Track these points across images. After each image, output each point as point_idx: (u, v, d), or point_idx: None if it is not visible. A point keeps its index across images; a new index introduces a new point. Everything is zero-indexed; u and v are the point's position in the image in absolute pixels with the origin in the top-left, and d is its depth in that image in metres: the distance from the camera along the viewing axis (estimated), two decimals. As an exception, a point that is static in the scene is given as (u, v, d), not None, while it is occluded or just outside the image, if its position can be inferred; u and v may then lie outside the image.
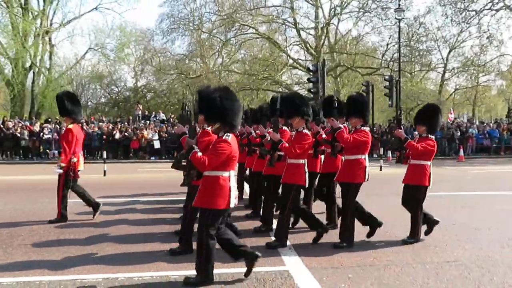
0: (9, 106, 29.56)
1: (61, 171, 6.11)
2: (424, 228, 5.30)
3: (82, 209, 6.75)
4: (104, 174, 12.47)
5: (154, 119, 23.45)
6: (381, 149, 14.98)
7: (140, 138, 19.46)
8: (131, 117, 24.11)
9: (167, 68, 31.73)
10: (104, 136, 19.30)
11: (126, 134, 19.66)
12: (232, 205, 3.84)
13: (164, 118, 23.97)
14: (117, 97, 35.54)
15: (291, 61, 29.24)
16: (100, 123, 21.16)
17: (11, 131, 18.35)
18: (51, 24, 27.50)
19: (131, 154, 19.58)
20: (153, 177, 12.67)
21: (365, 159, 5.06)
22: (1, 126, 18.67)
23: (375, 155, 18.74)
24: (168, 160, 18.34)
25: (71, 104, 6.32)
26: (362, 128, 5.07)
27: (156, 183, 11.15)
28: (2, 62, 26.05)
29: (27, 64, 26.34)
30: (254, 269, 4.02)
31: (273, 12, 28.66)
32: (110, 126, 20.40)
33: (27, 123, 19.81)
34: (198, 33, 29.45)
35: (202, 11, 29.87)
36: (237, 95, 4.50)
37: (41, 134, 19.06)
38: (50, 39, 27.98)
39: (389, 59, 28.88)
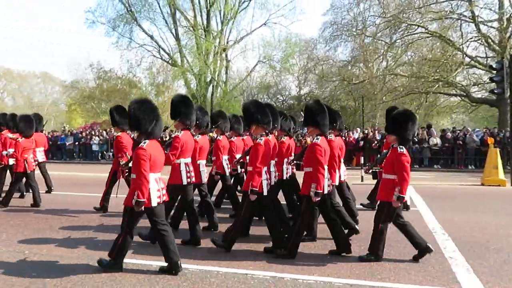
0: (194, 116, 34.17)
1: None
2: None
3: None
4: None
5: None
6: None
7: (303, 144, 20.02)
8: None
9: (329, 75, 32.02)
10: (271, 142, 20.51)
11: (290, 140, 20.48)
12: (154, 204, 4.22)
13: (327, 124, 24.17)
14: (282, 106, 37.51)
15: (467, 59, 26.06)
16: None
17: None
18: (227, 42, 30.80)
19: (294, 160, 20.28)
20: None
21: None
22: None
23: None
24: (330, 167, 18.39)
25: (119, 116, 7.20)
26: (315, 139, 4.83)
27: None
28: (189, 78, 30.35)
29: (208, 79, 30.02)
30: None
31: (446, 7, 26.07)
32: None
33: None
34: (362, 38, 28.88)
35: (365, 15, 29.25)
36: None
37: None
38: (226, 55, 31.35)
39: None
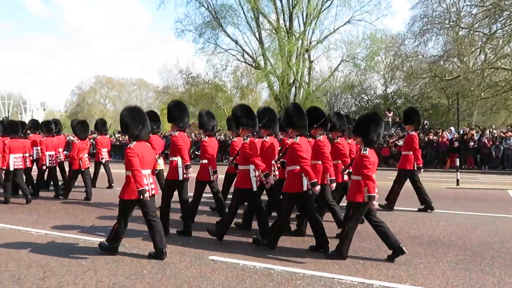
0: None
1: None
2: None
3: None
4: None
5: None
6: None
7: (391, 145, 19.16)
8: (381, 124, 24.05)
9: (419, 72, 30.14)
10: (355, 143, 19.97)
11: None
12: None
13: (417, 124, 22.82)
14: (367, 105, 36.22)
15: None
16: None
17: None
18: (310, 43, 30.53)
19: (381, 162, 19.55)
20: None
21: (299, 169, 5.07)
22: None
23: None
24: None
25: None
26: (295, 139, 5.15)
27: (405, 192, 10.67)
28: (272, 80, 30.68)
29: (291, 80, 30.07)
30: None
31: (558, -10, 23.05)
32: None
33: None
34: (455, 30, 26.72)
35: (460, 5, 26.99)
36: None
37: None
38: (309, 56, 31.11)
39: None
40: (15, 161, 8.89)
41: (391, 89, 35.51)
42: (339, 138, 6.49)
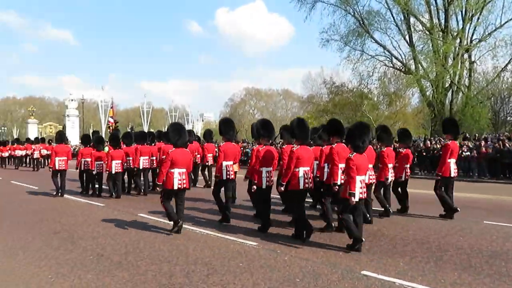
0: (429, 126, 31.68)
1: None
2: None
3: None
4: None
5: None
6: None
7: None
8: None
9: None
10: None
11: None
12: (175, 187, 6.64)
13: None
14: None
15: None
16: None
17: (431, 149, 19.54)
18: (471, 42, 27.28)
19: None
20: None
21: (298, 171, 6.09)
22: (422, 144, 20.25)
23: None
24: None
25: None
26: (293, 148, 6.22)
27: None
28: (424, 85, 28.38)
29: (447, 84, 27.36)
30: None
31: None
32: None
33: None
34: None
35: None
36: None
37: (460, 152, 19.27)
38: (469, 56, 27.81)
39: None
40: (143, 161, 11.75)
41: None
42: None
